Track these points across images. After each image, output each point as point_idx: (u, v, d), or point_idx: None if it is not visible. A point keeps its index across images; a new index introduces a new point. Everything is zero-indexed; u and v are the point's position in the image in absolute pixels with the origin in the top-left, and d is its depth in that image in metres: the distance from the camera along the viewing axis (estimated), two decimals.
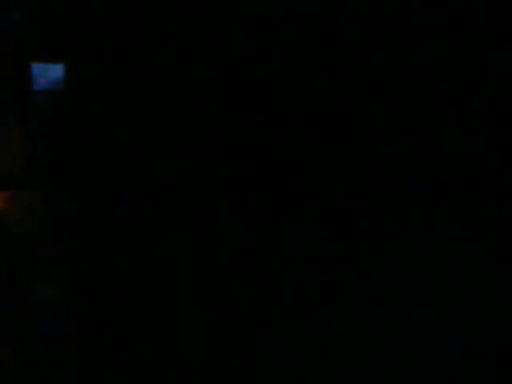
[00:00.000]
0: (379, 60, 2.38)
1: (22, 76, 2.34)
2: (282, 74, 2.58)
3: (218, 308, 2.42)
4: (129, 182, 2.69)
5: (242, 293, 2.57)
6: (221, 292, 2.59)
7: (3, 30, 2.28)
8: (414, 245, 2.67)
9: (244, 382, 1.88)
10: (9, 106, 2.49)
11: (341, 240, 2.72)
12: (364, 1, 2.27)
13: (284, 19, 2.35)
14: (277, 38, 2.43)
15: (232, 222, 2.68)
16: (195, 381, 1.95)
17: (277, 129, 2.53)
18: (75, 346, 1.98)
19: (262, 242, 2.74)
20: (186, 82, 2.62)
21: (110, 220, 2.57)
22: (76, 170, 2.60)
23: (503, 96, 2.26)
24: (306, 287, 2.63)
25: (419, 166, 2.58)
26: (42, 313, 2.21)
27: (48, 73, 2.35)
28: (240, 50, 2.33)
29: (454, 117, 2.38)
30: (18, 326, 2.11)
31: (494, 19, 2.23)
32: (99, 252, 2.58)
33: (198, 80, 2.55)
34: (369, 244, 2.69)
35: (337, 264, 2.73)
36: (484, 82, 2.26)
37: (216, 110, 2.63)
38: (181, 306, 2.44)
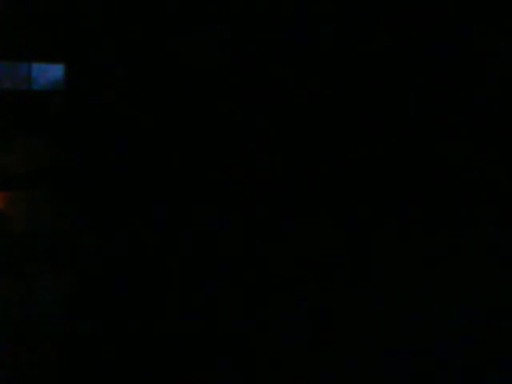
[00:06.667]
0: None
1: (21, 76, 2.34)
2: (281, 74, 2.58)
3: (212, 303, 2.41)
4: (128, 182, 2.69)
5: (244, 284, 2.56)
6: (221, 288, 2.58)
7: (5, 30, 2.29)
8: (413, 244, 2.65)
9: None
10: (8, 106, 2.49)
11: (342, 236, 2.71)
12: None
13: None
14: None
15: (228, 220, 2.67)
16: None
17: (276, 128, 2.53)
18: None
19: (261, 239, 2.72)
20: (186, 83, 2.62)
21: (110, 219, 2.57)
22: (76, 170, 2.61)
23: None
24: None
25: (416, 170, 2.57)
26: (42, 307, 2.21)
27: (48, 73, 2.36)
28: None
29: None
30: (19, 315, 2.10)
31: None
32: (100, 250, 2.58)
33: (197, 80, 2.56)
34: (370, 240, 2.68)
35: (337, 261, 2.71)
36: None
37: (218, 109, 2.63)
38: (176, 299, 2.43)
